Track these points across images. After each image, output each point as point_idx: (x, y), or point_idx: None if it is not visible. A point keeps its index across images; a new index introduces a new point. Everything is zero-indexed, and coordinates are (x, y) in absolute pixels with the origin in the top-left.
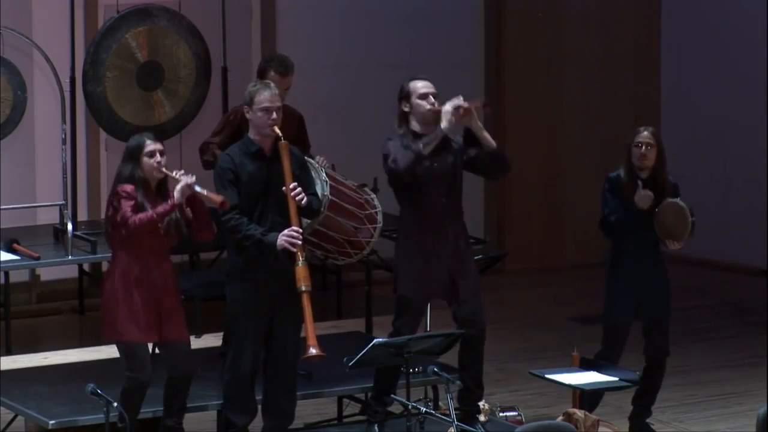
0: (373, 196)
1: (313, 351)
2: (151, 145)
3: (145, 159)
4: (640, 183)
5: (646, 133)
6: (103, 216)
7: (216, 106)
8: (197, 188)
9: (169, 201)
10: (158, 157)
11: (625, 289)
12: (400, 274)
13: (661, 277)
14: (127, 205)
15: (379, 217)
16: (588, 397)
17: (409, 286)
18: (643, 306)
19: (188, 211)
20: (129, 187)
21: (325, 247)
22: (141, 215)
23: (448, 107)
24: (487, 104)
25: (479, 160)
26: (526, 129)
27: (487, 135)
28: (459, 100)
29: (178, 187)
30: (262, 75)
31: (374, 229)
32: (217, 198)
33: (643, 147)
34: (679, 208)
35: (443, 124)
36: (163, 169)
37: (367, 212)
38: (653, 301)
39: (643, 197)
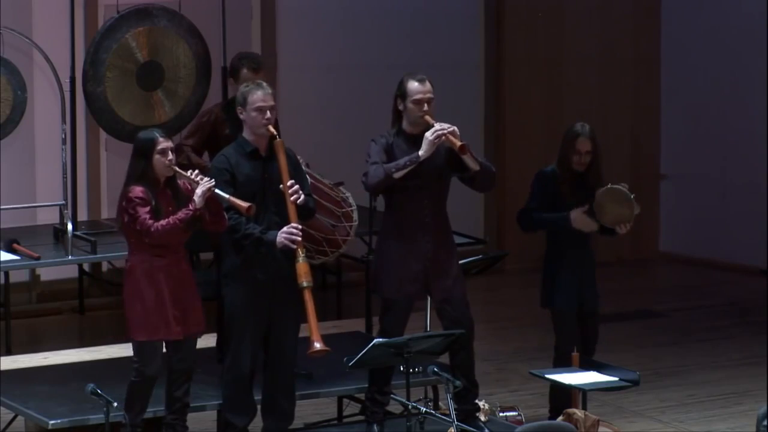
0: (348, 194)
1: (317, 345)
2: (163, 143)
3: (157, 157)
4: (585, 207)
5: (582, 138)
6: (103, 216)
7: None
8: (219, 192)
9: (190, 206)
10: (170, 155)
11: (569, 281)
12: (380, 273)
13: (593, 268)
14: (144, 212)
15: (355, 216)
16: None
17: (390, 286)
18: (583, 296)
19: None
20: (140, 190)
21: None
22: (163, 223)
23: (429, 136)
24: (465, 147)
25: (465, 180)
26: (526, 129)
27: (469, 159)
28: (442, 129)
29: (199, 191)
30: (234, 73)
31: (350, 227)
32: (243, 204)
33: (583, 156)
34: (614, 191)
35: (421, 152)
36: (176, 168)
37: (343, 210)
38: (590, 292)
39: (582, 222)
